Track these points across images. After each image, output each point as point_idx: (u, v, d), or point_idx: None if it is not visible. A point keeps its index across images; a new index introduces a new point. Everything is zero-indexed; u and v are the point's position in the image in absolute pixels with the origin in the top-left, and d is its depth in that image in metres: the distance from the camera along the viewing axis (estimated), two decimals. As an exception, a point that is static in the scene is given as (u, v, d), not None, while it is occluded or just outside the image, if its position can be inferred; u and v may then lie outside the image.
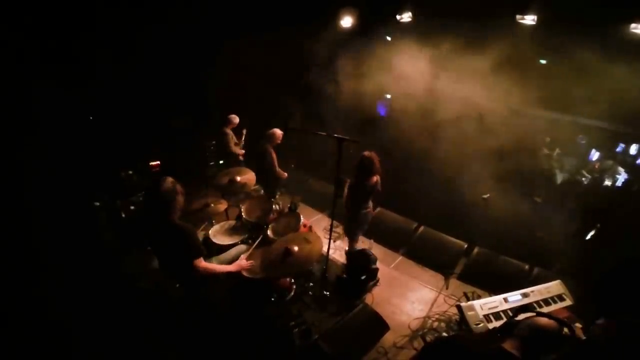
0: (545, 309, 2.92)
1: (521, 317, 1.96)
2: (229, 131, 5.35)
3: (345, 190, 3.85)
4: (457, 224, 4.84)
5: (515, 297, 2.98)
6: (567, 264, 4.15)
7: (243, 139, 5.54)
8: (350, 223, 4.00)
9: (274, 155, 4.69)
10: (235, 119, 5.41)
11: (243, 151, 5.48)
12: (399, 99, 5.89)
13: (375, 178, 3.66)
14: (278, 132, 4.70)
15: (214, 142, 6.28)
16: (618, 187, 5.63)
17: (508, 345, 1.77)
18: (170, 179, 2.56)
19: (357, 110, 5.86)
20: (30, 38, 4.45)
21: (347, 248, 4.30)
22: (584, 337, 2.54)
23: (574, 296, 3.10)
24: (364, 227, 4.05)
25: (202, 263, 2.66)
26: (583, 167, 6.05)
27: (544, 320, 1.80)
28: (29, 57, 4.46)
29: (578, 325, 2.85)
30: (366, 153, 3.62)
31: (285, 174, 4.88)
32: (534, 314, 1.91)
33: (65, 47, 4.72)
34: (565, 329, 1.80)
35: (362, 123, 5.81)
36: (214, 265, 2.88)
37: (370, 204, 3.86)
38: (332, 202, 3.44)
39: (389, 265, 4.55)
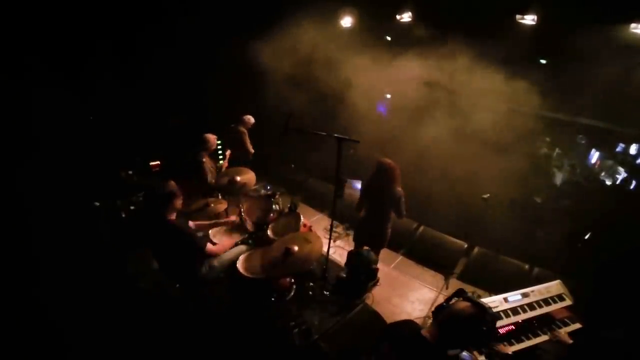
0: (545, 309, 2.92)
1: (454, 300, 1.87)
2: (244, 130, 5.37)
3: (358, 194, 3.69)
4: (457, 224, 4.84)
5: (515, 297, 2.97)
6: (567, 264, 4.15)
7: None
8: (371, 234, 3.75)
9: (207, 166, 4.40)
10: (251, 120, 5.44)
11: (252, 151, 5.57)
12: (396, 99, 5.90)
13: (400, 188, 3.48)
14: (212, 137, 4.46)
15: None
16: (618, 186, 5.64)
17: (426, 330, 1.72)
18: (172, 182, 2.75)
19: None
20: (31, 38, 4.45)
21: (348, 248, 4.29)
22: (571, 341, 2.55)
23: (574, 296, 3.10)
24: (386, 241, 3.79)
25: (209, 250, 2.88)
26: (582, 168, 6.06)
27: (462, 304, 1.71)
28: (30, 57, 4.46)
29: (576, 326, 2.84)
30: (387, 160, 3.48)
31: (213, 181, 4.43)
32: (461, 298, 1.82)
33: (65, 47, 4.72)
34: (489, 314, 1.69)
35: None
36: (216, 247, 3.05)
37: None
38: (332, 202, 3.44)
39: (389, 265, 4.56)
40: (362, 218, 3.80)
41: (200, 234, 3.29)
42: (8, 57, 4.29)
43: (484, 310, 1.68)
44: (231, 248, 3.24)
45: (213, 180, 4.37)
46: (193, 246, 2.76)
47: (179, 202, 2.79)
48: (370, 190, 3.62)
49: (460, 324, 1.66)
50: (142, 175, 4.86)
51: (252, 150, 5.53)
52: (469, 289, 3.97)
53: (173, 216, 2.78)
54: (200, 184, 4.35)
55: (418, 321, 3.60)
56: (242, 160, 5.33)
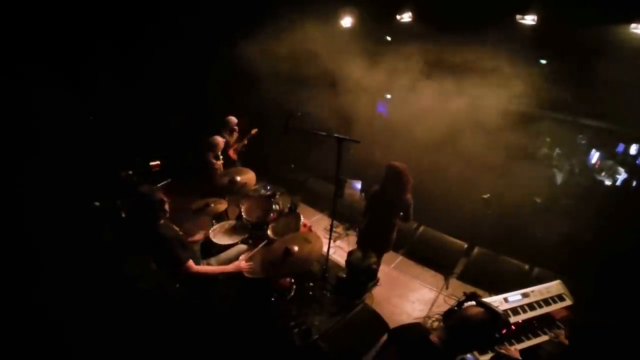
0: (545, 309, 2.92)
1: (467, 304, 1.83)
2: (226, 135, 5.26)
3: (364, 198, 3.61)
4: (457, 224, 4.84)
5: (515, 297, 2.97)
6: (567, 263, 4.14)
7: (248, 138, 5.40)
8: (375, 238, 3.65)
9: (215, 165, 4.43)
10: (232, 120, 5.19)
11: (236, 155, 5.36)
12: (396, 100, 5.89)
13: (410, 195, 3.37)
14: (221, 140, 4.47)
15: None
16: (618, 187, 5.64)
17: (434, 335, 1.68)
18: (155, 188, 2.71)
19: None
20: (31, 38, 4.45)
21: (348, 248, 4.29)
22: (567, 342, 2.54)
23: (574, 296, 3.10)
24: (390, 245, 3.73)
25: (192, 268, 2.65)
26: (582, 168, 6.06)
27: (474, 309, 1.67)
28: (30, 57, 4.46)
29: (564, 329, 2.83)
30: (396, 163, 3.32)
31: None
32: (474, 302, 1.78)
33: (64, 47, 4.72)
34: (501, 319, 1.67)
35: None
36: (207, 267, 2.83)
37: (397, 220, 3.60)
38: (332, 202, 3.44)
39: (389, 265, 4.56)
40: (367, 223, 3.68)
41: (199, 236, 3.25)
42: (8, 57, 4.29)
43: (497, 316, 1.64)
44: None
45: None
46: (173, 260, 2.63)
47: (167, 206, 2.71)
48: (378, 197, 3.47)
49: (471, 329, 1.62)
50: (142, 175, 4.86)
51: (235, 156, 5.28)
52: (469, 289, 3.98)
53: (162, 221, 2.72)
54: (202, 183, 4.35)
55: (418, 321, 3.62)
56: (228, 163, 5.01)
